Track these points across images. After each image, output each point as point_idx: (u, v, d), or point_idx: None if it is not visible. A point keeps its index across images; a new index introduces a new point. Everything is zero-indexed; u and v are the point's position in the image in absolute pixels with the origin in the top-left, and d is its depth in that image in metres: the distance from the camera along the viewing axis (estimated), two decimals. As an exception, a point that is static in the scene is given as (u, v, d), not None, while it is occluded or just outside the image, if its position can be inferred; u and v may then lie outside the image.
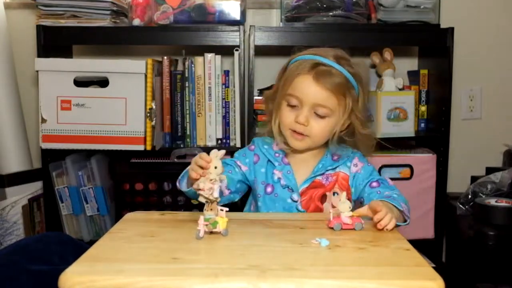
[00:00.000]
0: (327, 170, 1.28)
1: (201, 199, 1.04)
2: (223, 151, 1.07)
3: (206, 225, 1.00)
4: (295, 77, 1.22)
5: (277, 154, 1.30)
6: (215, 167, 1.05)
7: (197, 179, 1.04)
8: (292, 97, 1.23)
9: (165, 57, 1.96)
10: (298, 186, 1.27)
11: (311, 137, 1.23)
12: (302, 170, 1.28)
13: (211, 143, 1.99)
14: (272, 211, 1.27)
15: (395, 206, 1.12)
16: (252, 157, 1.32)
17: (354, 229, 1.05)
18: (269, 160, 1.30)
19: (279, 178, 1.27)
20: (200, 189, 1.03)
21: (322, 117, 1.22)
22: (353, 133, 1.28)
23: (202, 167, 1.04)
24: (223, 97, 1.99)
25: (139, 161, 2.04)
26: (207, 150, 1.98)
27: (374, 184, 1.26)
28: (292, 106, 1.24)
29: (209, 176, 1.03)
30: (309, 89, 1.20)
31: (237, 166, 1.31)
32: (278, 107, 1.27)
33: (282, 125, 1.26)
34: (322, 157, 1.30)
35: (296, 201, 1.26)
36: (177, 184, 1.21)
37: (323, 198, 1.27)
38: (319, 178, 1.28)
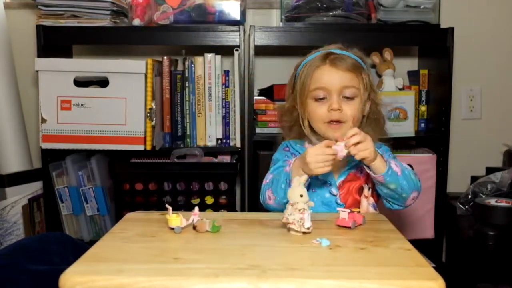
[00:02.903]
0: (357, 165, 1.29)
1: (292, 233, 1.00)
2: (305, 176, 1.05)
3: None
4: (313, 71, 1.26)
5: (295, 177, 1.30)
6: (301, 195, 1.00)
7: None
8: (318, 90, 1.25)
9: (165, 57, 1.96)
10: (335, 180, 1.29)
11: (347, 122, 1.26)
12: (337, 164, 1.27)
13: (211, 143, 1.99)
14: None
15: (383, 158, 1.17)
16: (290, 157, 1.32)
17: (350, 227, 1.05)
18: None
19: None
20: (289, 223, 0.99)
21: (351, 98, 1.26)
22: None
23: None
24: (223, 97, 1.99)
25: (139, 161, 2.04)
26: (207, 150, 2.00)
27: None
28: (320, 100, 1.26)
29: (297, 206, 0.99)
30: (331, 75, 1.25)
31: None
32: (304, 108, 1.29)
33: (316, 121, 1.28)
34: None
35: (335, 195, 1.28)
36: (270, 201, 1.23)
37: (360, 190, 1.28)
38: (353, 170, 1.30)
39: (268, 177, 1.27)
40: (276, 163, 1.31)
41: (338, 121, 1.25)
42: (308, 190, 1.23)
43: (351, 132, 1.13)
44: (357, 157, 1.13)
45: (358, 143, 1.12)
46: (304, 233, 0.99)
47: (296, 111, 1.31)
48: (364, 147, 1.12)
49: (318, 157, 1.12)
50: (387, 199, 1.26)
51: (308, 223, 0.99)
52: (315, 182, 1.28)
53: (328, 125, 1.26)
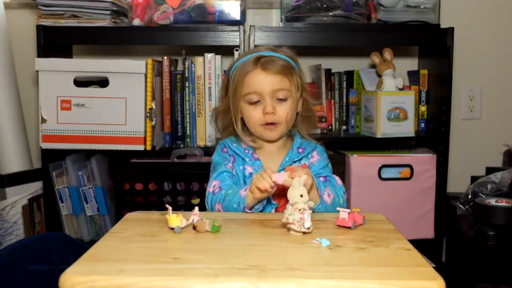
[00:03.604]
0: (293, 162, 1.33)
1: (292, 233, 1.00)
2: (305, 176, 1.04)
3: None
4: (245, 76, 1.29)
5: (246, 151, 1.34)
6: (301, 195, 1.00)
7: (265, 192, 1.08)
8: (251, 94, 1.29)
9: (165, 57, 1.96)
10: None
11: (282, 123, 1.30)
12: (271, 164, 1.31)
13: (211, 143, 1.99)
14: None
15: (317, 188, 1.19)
16: (229, 158, 1.35)
17: (350, 227, 1.05)
18: (242, 158, 1.34)
19: (250, 173, 1.31)
20: (289, 223, 0.99)
21: (284, 100, 1.30)
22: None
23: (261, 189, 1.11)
24: (223, 97, 1.98)
25: (139, 161, 2.04)
26: (207, 150, 2.00)
27: (322, 178, 1.29)
28: (254, 103, 1.29)
29: (297, 206, 0.99)
30: (263, 79, 1.28)
31: (232, 170, 1.33)
32: (237, 111, 1.33)
33: (251, 124, 1.32)
34: (288, 151, 1.35)
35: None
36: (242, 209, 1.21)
37: None
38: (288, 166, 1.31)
39: (213, 184, 1.27)
40: (216, 167, 1.33)
41: (273, 123, 1.29)
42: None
43: (303, 173, 1.09)
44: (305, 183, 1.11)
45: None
46: (304, 233, 0.99)
47: (230, 113, 1.34)
48: (299, 174, 1.10)
49: (257, 182, 1.12)
50: None
51: (308, 223, 0.98)
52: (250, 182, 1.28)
53: (263, 127, 1.31)
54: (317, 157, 1.35)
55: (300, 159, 1.34)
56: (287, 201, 1.26)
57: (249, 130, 1.35)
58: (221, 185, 1.26)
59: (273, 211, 1.28)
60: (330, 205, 1.22)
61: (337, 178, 1.31)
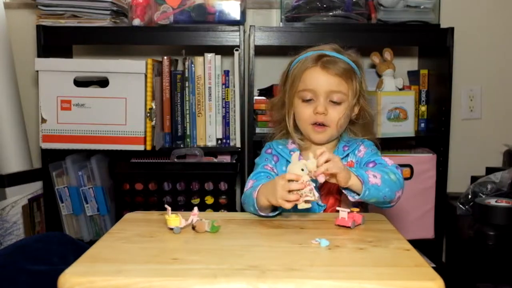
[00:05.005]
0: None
1: (303, 206, 1.03)
2: (298, 152, 1.09)
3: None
4: (303, 72, 1.26)
5: (292, 153, 1.31)
6: (302, 169, 1.04)
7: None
8: (306, 91, 1.26)
9: (165, 57, 1.96)
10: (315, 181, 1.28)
11: (331, 126, 1.27)
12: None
13: (211, 143, 1.99)
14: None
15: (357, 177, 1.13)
16: (272, 158, 1.33)
17: (349, 227, 1.05)
18: (286, 159, 1.32)
19: None
20: (303, 196, 1.03)
21: (338, 103, 1.26)
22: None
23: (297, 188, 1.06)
24: (223, 97, 1.99)
25: (139, 161, 2.04)
26: (207, 150, 2.00)
27: (370, 164, 1.25)
28: (307, 101, 1.27)
29: (304, 179, 1.03)
30: (320, 78, 1.25)
31: (272, 171, 1.31)
32: (291, 106, 1.30)
33: (301, 121, 1.29)
34: (334, 150, 1.32)
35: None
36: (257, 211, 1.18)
37: (340, 189, 1.27)
38: None
39: (249, 183, 1.26)
40: (256, 167, 1.32)
41: (323, 125, 1.26)
42: None
43: (319, 151, 1.09)
44: (330, 172, 1.08)
45: (327, 161, 1.08)
46: (306, 201, 1.03)
47: (285, 107, 1.32)
48: (333, 165, 1.08)
49: (283, 192, 1.06)
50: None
51: (316, 193, 1.03)
52: None
53: (312, 127, 1.28)
54: (364, 149, 1.30)
55: (346, 157, 1.30)
56: (335, 202, 1.27)
57: (299, 129, 1.32)
58: (254, 184, 1.23)
59: (321, 211, 1.26)
60: (382, 185, 1.13)
61: (387, 159, 1.26)
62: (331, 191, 1.27)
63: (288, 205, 1.05)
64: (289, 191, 1.05)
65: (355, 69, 1.28)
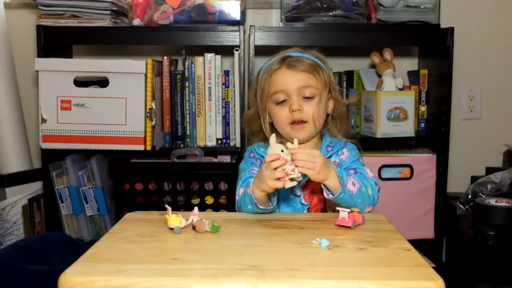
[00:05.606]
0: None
1: (290, 185, 1.07)
2: (274, 134, 1.13)
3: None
4: (271, 75, 1.29)
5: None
6: (282, 150, 1.08)
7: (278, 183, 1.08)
8: (277, 93, 1.28)
9: (165, 57, 1.96)
10: None
11: (309, 121, 1.28)
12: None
13: (211, 143, 1.99)
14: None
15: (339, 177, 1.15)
16: (256, 162, 1.34)
17: (350, 227, 1.05)
18: None
19: None
20: (287, 175, 1.07)
21: (311, 98, 1.28)
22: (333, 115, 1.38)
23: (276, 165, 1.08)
24: (223, 97, 1.99)
25: (139, 161, 2.04)
26: (207, 150, 2.00)
27: (351, 171, 1.26)
28: (281, 103, 1.28)
29: (282, 155, 1.08)
30: (288, 77, 1.28)
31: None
32: (265, 112, 1.32)
33: (279, 124, 1.30)
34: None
35: (298, 196, 1.28)
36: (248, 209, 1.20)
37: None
38: None
39: (240, 191, 1.26)
40: (241, 174, 1.32)
41: (301, 121, 1.28)
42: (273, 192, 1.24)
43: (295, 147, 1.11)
44: (300, 170, 1.10)
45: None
46: (292, 179, 1.07)
47: (260, 117, 1.33)
48: (310, 164, 1.10)
49: (269, 172, 1.09)
50: None
51: (297, 171, 1.07)
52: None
53: (291, 126, 1.29)
54: (347, 153, 1.32)
55: (329, 157, 1.31)
56: (318, 200, 1.28)
57: (278, 134, 1.32)
58: (242, 193, 1.24)
59: (305, 211, 1.27)
60: (357, 195, 1.16)
61: (368, 171, 1.28)
62: (315, 191, 1.28)
63: (279, 183, 1.08)
64: (275, 169, 1.08)
65: (320, 64, 1.31)
